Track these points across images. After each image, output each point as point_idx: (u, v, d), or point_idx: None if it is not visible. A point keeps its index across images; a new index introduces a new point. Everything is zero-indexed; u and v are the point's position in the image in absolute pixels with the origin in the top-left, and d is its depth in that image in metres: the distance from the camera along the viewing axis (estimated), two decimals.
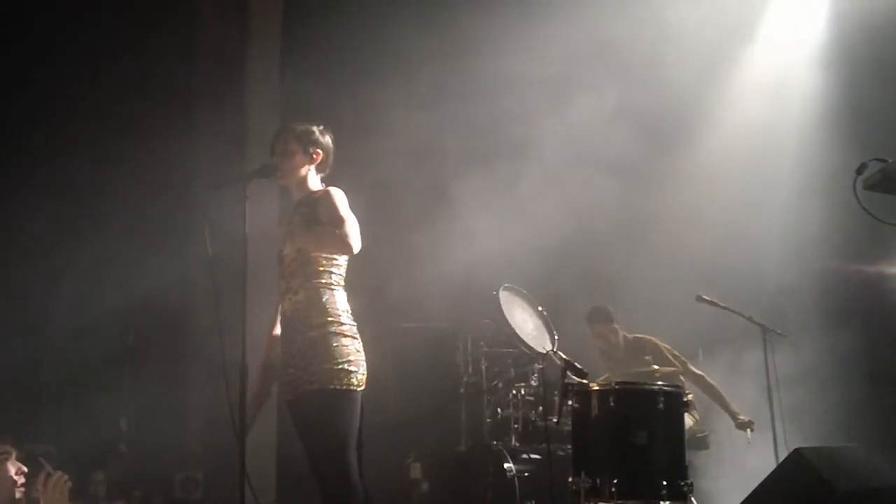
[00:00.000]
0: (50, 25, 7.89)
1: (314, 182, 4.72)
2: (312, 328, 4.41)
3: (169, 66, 8.17)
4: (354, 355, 4.42)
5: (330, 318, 4.42)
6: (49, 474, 4.12)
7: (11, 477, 4.27)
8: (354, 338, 4.48)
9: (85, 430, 7.43)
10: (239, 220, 4.47)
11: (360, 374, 4.42)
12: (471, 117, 7.43)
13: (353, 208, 4.67)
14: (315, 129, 4.73)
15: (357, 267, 4.69)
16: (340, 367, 4.36)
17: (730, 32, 8.27)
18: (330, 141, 4.76)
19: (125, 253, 7.77)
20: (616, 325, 7.26)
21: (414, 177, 7.13)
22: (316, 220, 4.51)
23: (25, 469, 4.31)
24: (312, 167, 4.70)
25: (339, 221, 4.41)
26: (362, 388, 4.45)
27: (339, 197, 4.53)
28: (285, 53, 8.57)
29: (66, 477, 4.16)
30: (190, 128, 8.07)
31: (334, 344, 4.39)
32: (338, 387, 4.35)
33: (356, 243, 4.41)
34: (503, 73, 7.70)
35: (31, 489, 4.22)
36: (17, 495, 4.16)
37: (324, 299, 4.45)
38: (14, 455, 4.37)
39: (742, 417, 6.76)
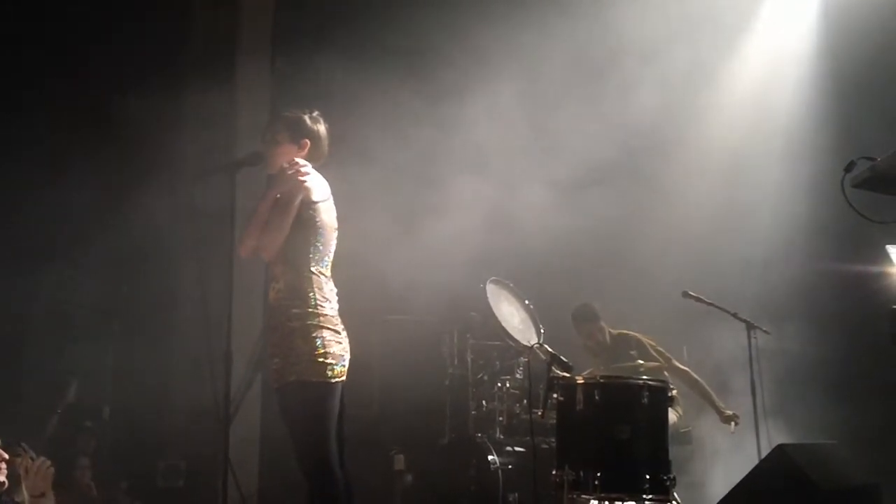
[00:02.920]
0: (38, 9, 7.82)
1: None
2: (292, 318, 4.35)
3: (159, 52, 8.11)
4: (334, 347, 4.36)
5: (310, 309, 4.35)
6: (31, 460, 4.10)
7: None
8: (335, 329, 4.40)
9: (67, 417, 7.39)
10: (227, 205, 4.45)
11: (338, 366, 4.36)
12: (460, 111, 7.41)
13: (339, 198, 4.64)
14: (306, 116, 4.63)
15: (342, 258, 4.66)
16: (318, 359, 4.30)
17: (719, 30, 8.28)
18: (322, 129, 4.64)
19: (111, 240, 7.72)
20: (603, 324, 7.25)
21: (403, 166, 7.11)
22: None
23: (6, 456, 4.28)
24: (302, 157, 4.57)
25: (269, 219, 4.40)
26: (342, 379, 4.39)
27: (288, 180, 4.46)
28: (276, 40, 8.51)
29: (48, 462, 4.15)
30: (179, 114, 8.02)
31: (313, 335, 4.32)
32: (315, 379, 4.30)
33: (262, 251, 4.40)
34: (493, 69, 7.68)
35: (14, 475, 4.19)
36: (1, 478, 4.14)
37: (305, 288, 4.38)
38: None
39: (727, 411, 6.79)
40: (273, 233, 4.37)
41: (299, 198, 4.41)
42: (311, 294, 4.38)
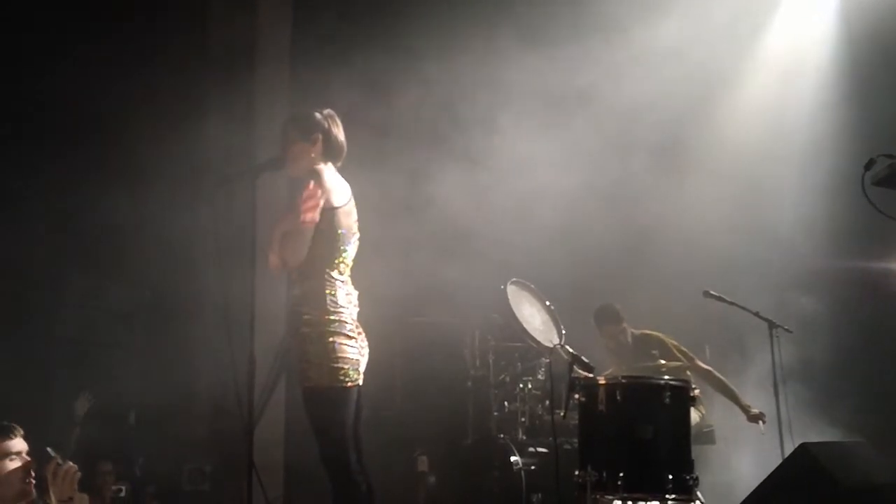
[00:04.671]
0: (55, 15, 7.88)
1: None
2: (304, 324, 4.37)
3: (178, 55, 8.17)
4: (348, 352, 4.37)
5: (324, 315, 4.36)
6: (58, 465, 4.14)
7: (19, 472, 4.28)
8: (348, 335, 4.40)
9: (93, 422, 7.46)
10: (248, 210, 4.48)
11: (351, 371, 4.37)
12: (481, 109, 7.42)
13: (362, 201, 4.65)
14: (316, 112, 4.60)
15: (365, 261, 4.68)
16: (332, 364, 4.32)
17: (739, 30, 8.26)
18: (334, 125, 4.60)
19: (134, 246, 7.80)
20: (625, 325, 7.23)
21: (423, 169, 7.13)
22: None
23: (33, 465, 4.33)
24: (318, 154, 4.55)
25: (285, 230, 4.39)
26: (357, 384, 4.41)
27: (308, 190, 4.39)
28: (295, 41, 8.55)
29: (75, 468, 4.19)
30: (199, 121, 8.08)
31: (327, 340, 4.34)
32: (329, 384, 4.32)
33: (284, 263, 4.38)
34: (516, 60, 7.68)
35: (41, 480, 4.24)
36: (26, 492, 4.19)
37: (318, 294, 4.39)
38: (24, 450, 4.38)
39: (753, 410, 6.76)
40: (295, 245, 4.37)
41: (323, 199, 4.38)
42: (325, 300, 4.39)
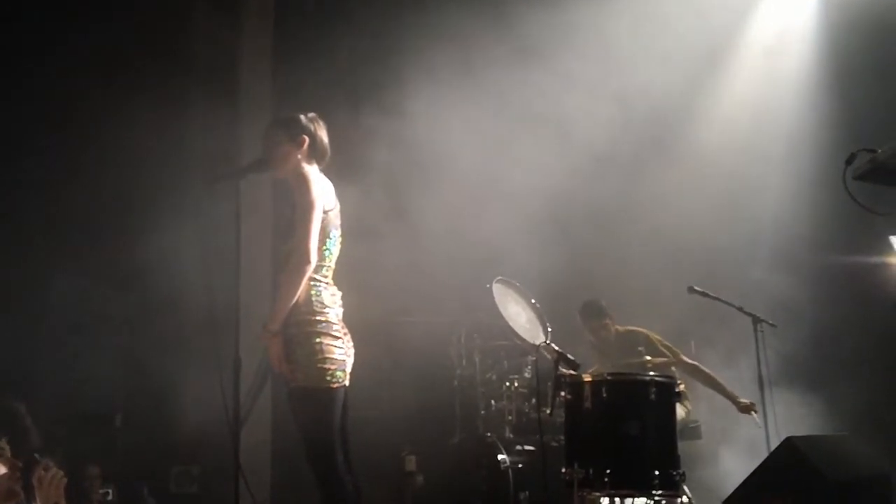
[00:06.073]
0: (42, 20, 7.86)
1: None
2: (291, 325, 4.38)
3: (161, 62, 8.16)
4: (334, 352, 4.39)
5: (309, 317, 4.38)
6: (45, 470, 4.13)
7: (5, 474, 4.26)
8: (335, 336, 4.42)
9: (79, 426, 7.43)
10: (232, 213, 4.48)
11: (338, 371, 4.39)
12: (463, 108, 7.42)
13: (346, 203, 4.66)
14: (301, 115, 4.64)
15: (351, 261, 4.68)
16: (317, 365, 4.33)
17: (720, 21, 8.28)
18: (319, 128, 4.64)
19: (118, 248, 7.76)
20: (608, 321, 7.25)
21: (409, 171, 7.14)
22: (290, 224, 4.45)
23: (20, 464, 4.31)
24: (304, 155, 4.58)
25: (294, 234, 4.35)
26: (343, 384, 4.42)
27: (303, 190, 4.41)
28: (278, 48, 8.56)
29: (61, 473, 4.17)
30: (183, 124, 8.06)
31: (313, 341, 4.35)
32: (315, 385, 4.34)
33: (303, 266, 4.32)
34: (494, 63, 7.69)
35: (28, 485, 4.22)
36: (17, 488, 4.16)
37: (304, 296, 4.40)
38: (8, 451, 4.36)
39: (743, 401, 6.76)
40: (305, 239, 4.36)
41: (321, 204, 4.42)
42: (310, 301, 4.40)
